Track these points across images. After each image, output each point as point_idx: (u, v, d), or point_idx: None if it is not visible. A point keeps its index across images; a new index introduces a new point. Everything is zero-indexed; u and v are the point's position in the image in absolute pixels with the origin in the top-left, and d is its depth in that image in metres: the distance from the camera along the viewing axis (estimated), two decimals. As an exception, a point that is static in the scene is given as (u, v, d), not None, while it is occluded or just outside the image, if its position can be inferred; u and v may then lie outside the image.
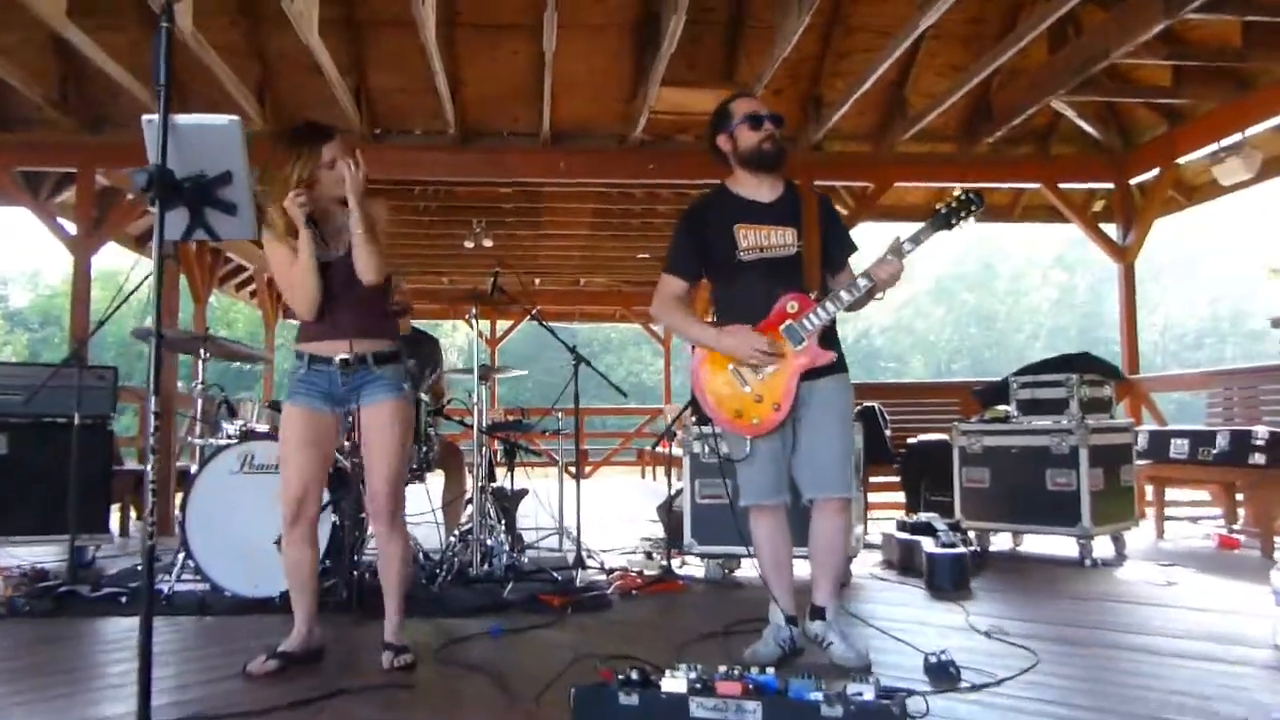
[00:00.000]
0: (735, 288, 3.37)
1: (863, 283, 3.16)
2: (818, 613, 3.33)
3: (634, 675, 2.53)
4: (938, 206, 3.21)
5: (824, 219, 3.42)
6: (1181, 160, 8.11)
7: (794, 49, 6.44)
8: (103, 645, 3.82)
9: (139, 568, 5.29)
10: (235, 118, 2.09)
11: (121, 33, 7.08)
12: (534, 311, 5.90)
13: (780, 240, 3.32)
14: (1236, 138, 7.18)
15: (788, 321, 3.23)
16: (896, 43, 6.34)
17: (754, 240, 3.32)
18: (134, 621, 4.03)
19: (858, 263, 3.42)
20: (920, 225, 3.21)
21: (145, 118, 2.02)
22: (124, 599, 4.51)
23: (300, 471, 3.28)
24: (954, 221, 3.17)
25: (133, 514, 7.61)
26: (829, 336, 3.33)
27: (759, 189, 3.41)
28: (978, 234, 46.09)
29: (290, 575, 3.37)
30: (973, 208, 3.15)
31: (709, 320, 3.47)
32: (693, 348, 3.46)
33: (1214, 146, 7.48)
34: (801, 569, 3.49)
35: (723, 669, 2.58)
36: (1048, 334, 45.30)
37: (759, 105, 3.44)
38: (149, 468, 1.92)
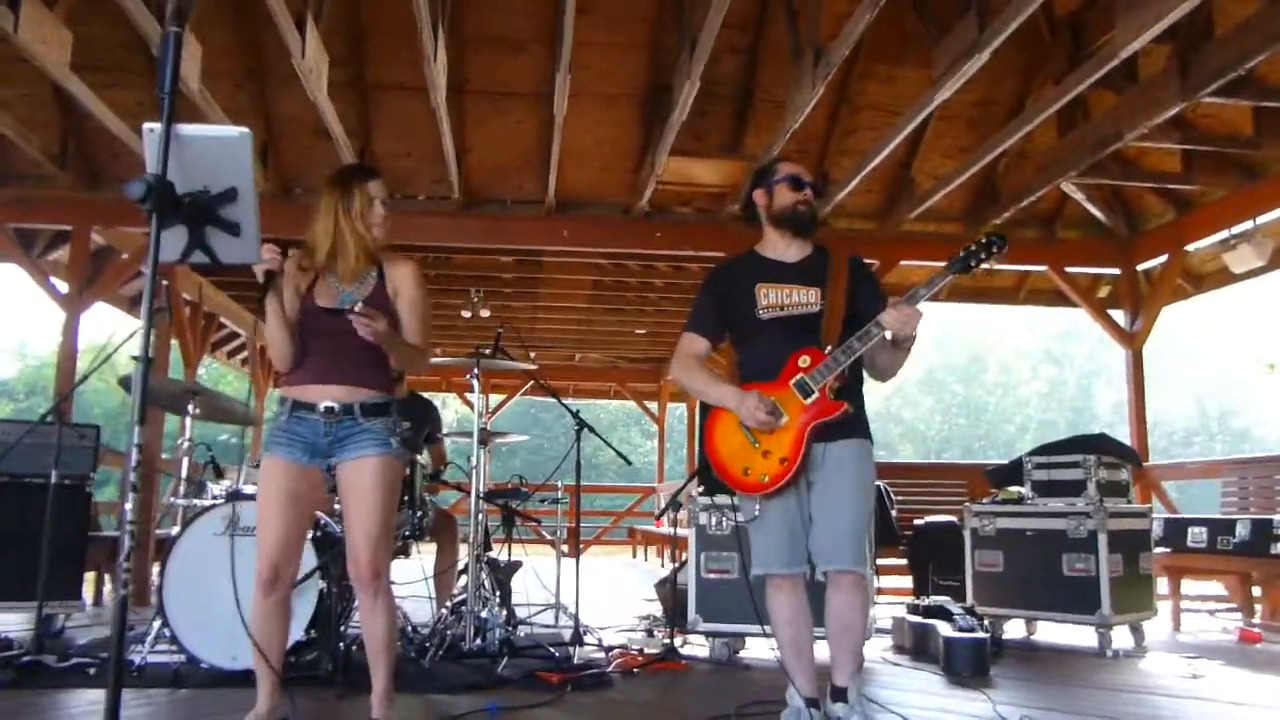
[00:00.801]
0: (754, 346, 3.26)
1: (873, 330, 3.01)
2: (839, 694, 3.10)
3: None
4: (958, 251, 3.06)
5: (856, 280, 3.27)
6: (1190, 247, 8.08)
7: (801, 125, 6.42)
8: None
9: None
10: (245, 130, 1.94)
11: (126, 90, 7.06)
12: (540, 378, 5.71)
13: (802, 299, 3.20)
14: (1247, 225, 7.15)
15: (798, 375, 3.09)
16: (906, 120, 6.33)
17: (774, 299, 3.21)
18: (101, 694, 3.77)
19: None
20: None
21: (146, 126, 1.87)
22: (92, 670, 4.22)
23: (282, 530, 3.01)
24: (973, 264, 3.03)
25: (107, 582, 7.30)
26: (851, 395, 3.16)
27: (787, 250, 3.31)
28: (967, 324, 46.49)
29: (263, 643, 3.04)
30: (994, 249, 3.00)
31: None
32: (701, 411, 3.31)
33: (1223, 234, 7.46)
34: (817, 649, 3.26)
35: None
36: (1037, 426, 45.27)
37: (801, 169, 3.37)
38: (127, 507, 1.72)
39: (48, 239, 8.74)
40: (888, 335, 3.05)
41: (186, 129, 1.89)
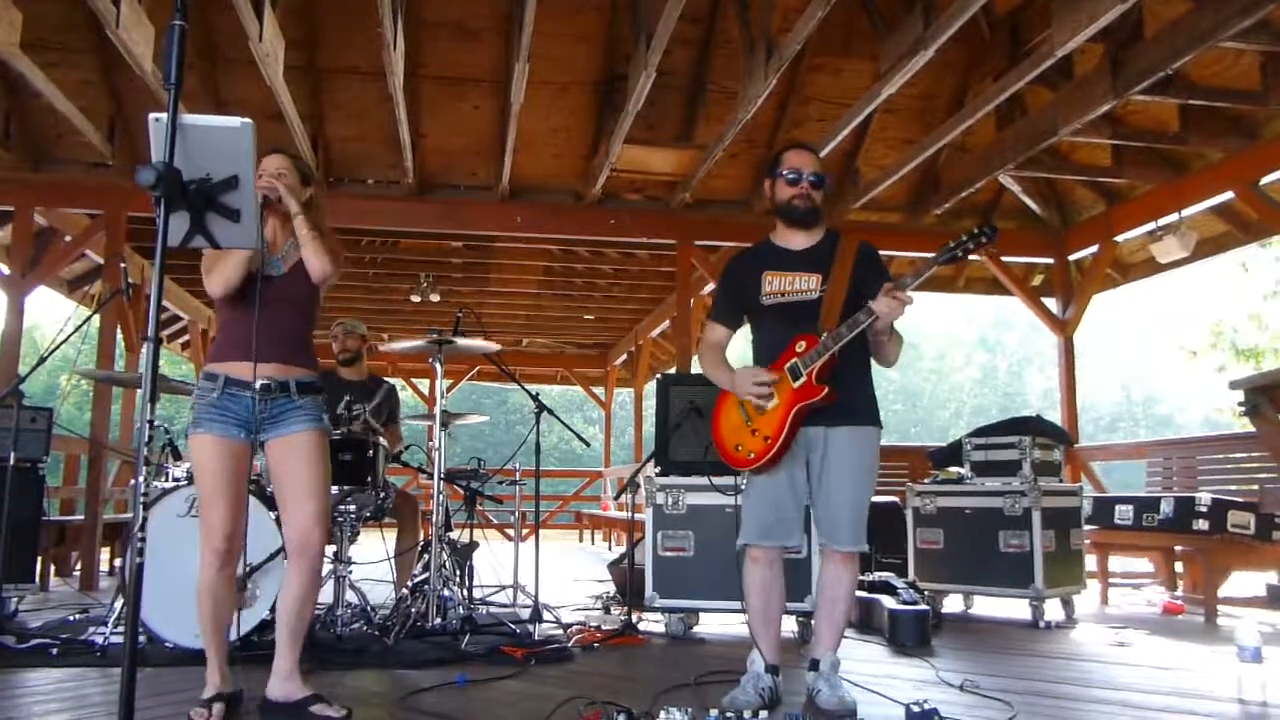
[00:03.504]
0: (760, 331, 3.43)
1: (862, 317, 3.13)
2: (814, 664, 3.31)
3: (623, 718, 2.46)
4: (948, 242, 3.15)
5: (864, 267, 3.36)
6: (1119, 238, 8.43)
7: (751, 116, 6.57)
8: (35, 697, 3.56)
9: (71, 619, 5.06)
10: (248, 120, 2.02)
11: (72, 70, 6.98)
12: (501, 362, 5.81)
13: (804, 285, 3.34)
14: (1173, 218, 7.49)
15: (792, 360, 3.24)
16: (853, 113, 6.52)
17: (778, 286, 3.36)
18: (66, 673, 3.86)
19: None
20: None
21: (153, 116, 1.95)
22: (54, 650, 4.24)
23: (230, 506, 3.05)
24: (961, 254, 3.12)
25: (52, 567, 7.24)
26: (855, 384, 3.31)
27: (797, 239, 3.44)
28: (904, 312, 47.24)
29: (216, 620, 3.09)
30: (983, 240, 3.10)
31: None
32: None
33: (1150, 226, 7.80)
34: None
35: (714, 712, 2.50)
36: (971, 412, 46.30)
37: (805, 162, 3.40)
38: (140, 480, 1.80)
39: (-12, 220, 8.59)
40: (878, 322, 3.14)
41: (191, 119, 1.97)
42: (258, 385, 3.06)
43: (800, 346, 3.24)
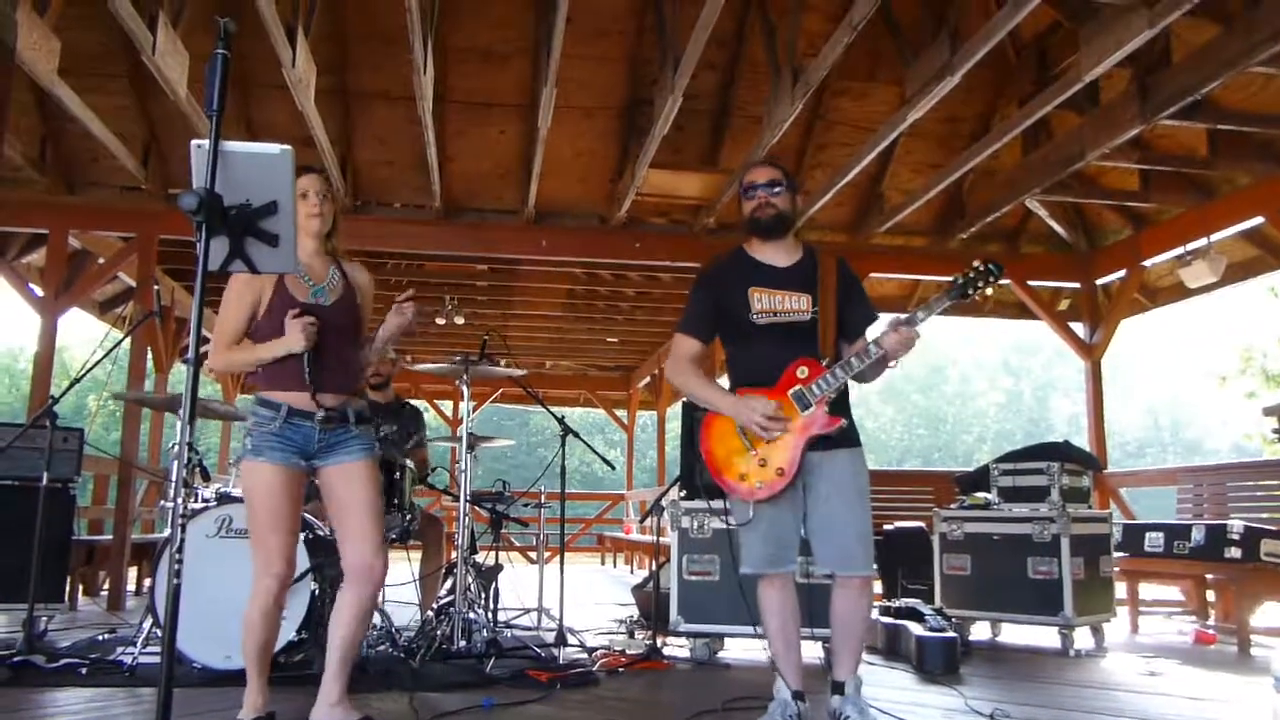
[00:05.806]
0: (747, 351, 3.33)
1: (873, 350, 3.11)
2: (837, 687, 3.24)
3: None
4: (954, 277, 3.17)
5: (844, 285, 3.36)
6: (1147, 263, 8.38)
7: (776, 140, 6.59)
8: (64, 717, 3.59)
9: (99, 639, 5.10)
10: (288, 147, 2.05)
11: (108, 96, 7.10)
12: (527, 385, 5.83)
13: (795, 305, 3.29)
14: (1201, 242, 7.44)
15: (796, 387, 3.18)
16: (879, 137, 6.53)
17: (768, 304, 3.29)
18: (95, 693, 3.89)
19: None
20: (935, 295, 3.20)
21: (195, 142, 1.98)
22: (83, 670, 4.27)
23: (289, 532, 3.10)
24: (970, 291, 3.13)
25: (81, 587, 7.30)
26: (841, 406, 3.27)
27: (776, 254, 3.39)
28: (927, 336, 47.06)
29: (265, 644, 3.10)
30: (990, 277, 3.11)
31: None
32: (685, 412, 3.41)
33: (1178, 250, 7.75)
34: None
35: (743, 739, 2.47)
36: (994, 437, 45.97)
37: (758, 175, 3.40)
38: (179, 500, 1.83)
39: (23, 242, 8.72)
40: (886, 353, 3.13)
41: (232, 146, 2.00)
42: (320, 415, 3.09)
43: (802, 372, 3.18)
